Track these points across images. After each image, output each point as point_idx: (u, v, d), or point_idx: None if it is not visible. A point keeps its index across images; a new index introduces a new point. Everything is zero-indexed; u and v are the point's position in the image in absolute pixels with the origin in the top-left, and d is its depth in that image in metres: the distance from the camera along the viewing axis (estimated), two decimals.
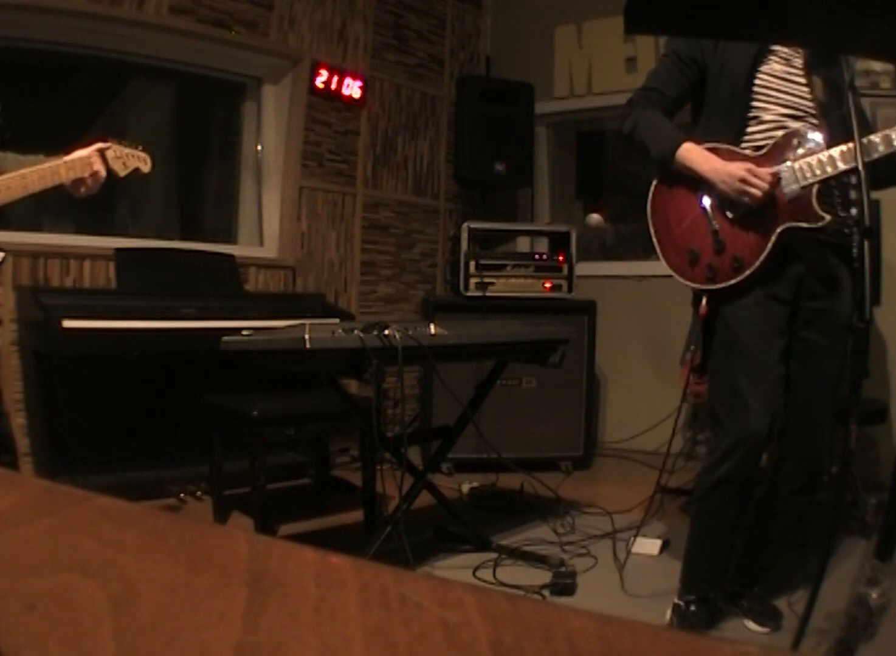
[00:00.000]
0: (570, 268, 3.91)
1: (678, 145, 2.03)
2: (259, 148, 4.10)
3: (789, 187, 1.94)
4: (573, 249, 3.91)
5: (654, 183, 2.16)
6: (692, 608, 2.04)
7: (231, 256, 3.51)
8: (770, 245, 1.93)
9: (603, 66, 4.42)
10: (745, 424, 1.96)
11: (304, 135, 4.00)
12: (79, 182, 1.99)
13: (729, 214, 2.00)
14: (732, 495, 1.99)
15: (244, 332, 2.12)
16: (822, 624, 1.81)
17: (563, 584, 2.34)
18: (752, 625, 2.09)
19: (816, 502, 2.17)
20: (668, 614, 2.10)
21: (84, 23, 3.25)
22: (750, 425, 1.95)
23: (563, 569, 2.40)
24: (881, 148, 1.82)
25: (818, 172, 1.90)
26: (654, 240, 2.12)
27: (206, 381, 2.99)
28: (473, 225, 3.93)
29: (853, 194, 1.98)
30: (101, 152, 2.04)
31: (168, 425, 3.12)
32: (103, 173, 2.04)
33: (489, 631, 0.30)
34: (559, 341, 2.69)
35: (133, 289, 3.05)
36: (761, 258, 1.94)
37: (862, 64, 3.23)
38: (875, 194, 1.91)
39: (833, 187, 1.98)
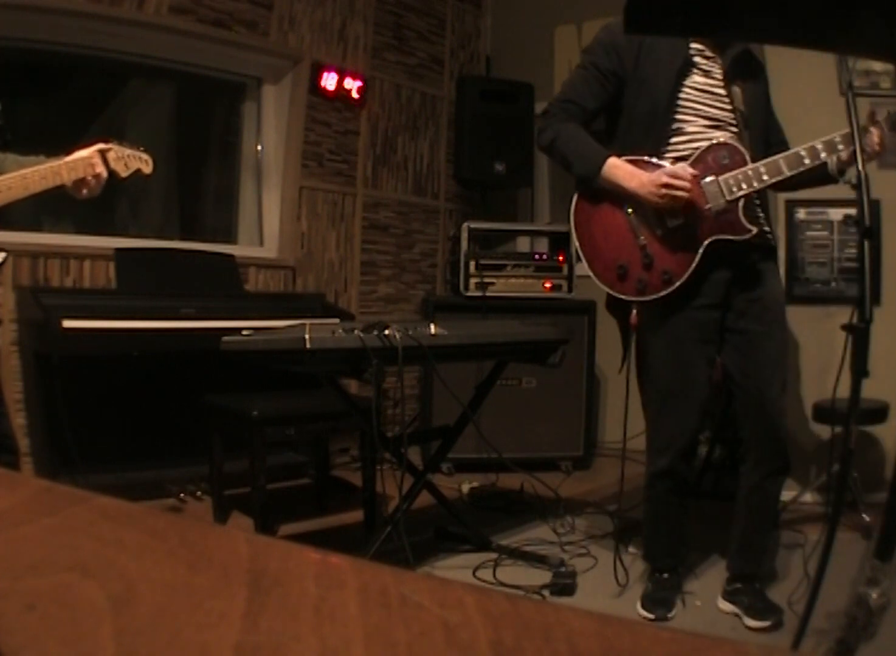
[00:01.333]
0: (570, 268, 3.90)
1: (603, 162, 2.05)
2: (259, 148, 4.10)
3: (716, 201, 1.98)
4: (573, 249, 3.91)
5: (575, 198, 2.16)
6: (665, 576, 2.27)
7: (231, 256, 3.51)
8: (698, 258, 2.00)
9: None
10: (673, 429, 2.14)
11: (304, 135, 4.00)
12: (80, 183, 1.98)
13: (656, 230, 2.04)
14: (671, 485, 2.18)
15: (244, 332, 2.12)
16: (822, 624, 1.81)
17: (563, 584, 2.34)
18: (752, 622, 2.09)
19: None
20: (646, 582, 2.31)
21: (84, 23, 3.24)
22: (677, 429, 2.13)
23: (563, 569, 2.40)
24: (807, 161, 1.90)
25: (744, 186, 1.95)
26: (581, 254, 2.15)
27: (206, 381, 2.99)
28: (473, 225, 3.92)
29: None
30: (103, 153, 2.04)
31: (168, 425, 3.11)
32: (105, 174, 2.03)
33: (489, 631, 0.30)
34: (559, 341, 2.69)
35: (133, 289, 3.05)
36: (689, 270, 2.01)
37: (862, 64, 3.23)
38: (875, 194, 1.92)
39: (753, 196, 2.04)
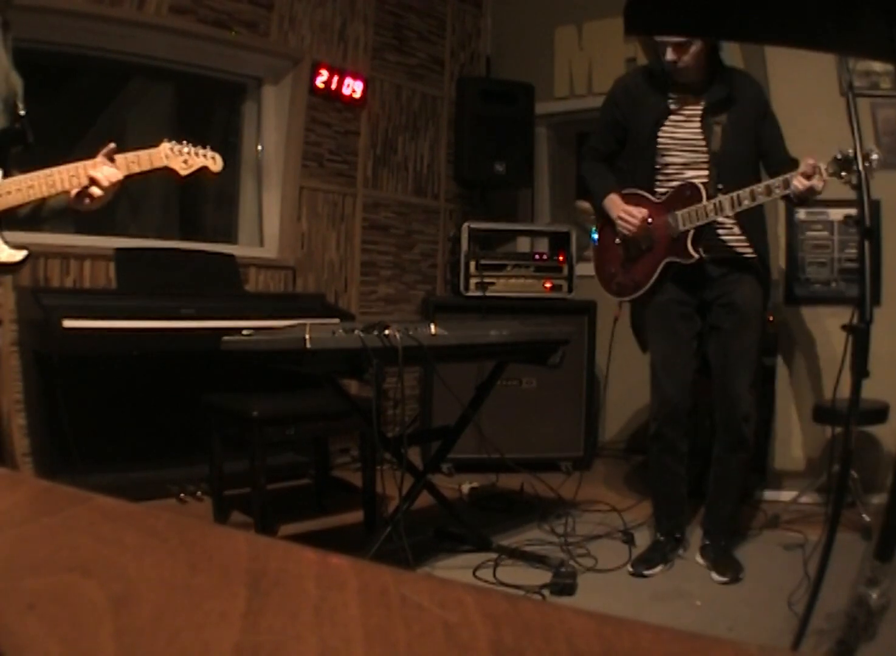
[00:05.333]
0: (570, 269, 3.90)
1: (605, 196, 2.67)
2: (259, 148, 4.10)
3: (674, 231, 2.49)
4: (573, 249, 3.91)
5: (601, 222, 2.81)
6: (661, 538, 2.65)
7: (231, 256, 3.51)
8: (657, 273, 2.56)
9: (603, 66, 4.42)
10: (660, 399, 2.62)
11: (305, 135, 3.99)
12: (83, 193, 1.90)
13: (635, 249, 2.61)
14: (663, 447, 2.62)
15: (244, 332, 2.12)
16: (822, 624, 1.81)
17: (563, 584, 2.34)
18: (715, 576, 2.47)
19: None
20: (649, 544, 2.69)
21: (84, 23, 3.24)
22: (663, 400, 2.60)
23: (563, 569, 2.40)
24: (746, 202, 2.31)
25: (694, 220, 2.44)
26: (593, 258, 2.80)
27: (206, 381, 2.99)
28: (473, 225, 3.92)
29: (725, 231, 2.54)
30: (111, 156, 1.98)
31: (168, 425, 3.11)
32: (113, 179, 1.94)
33: (489, 631, 0.30)
34: (559, 341, 2.69)
35: (133, 289, 3.05)
36: (651, 282, 2.58)
37: (862, 64, 3.23)
38: (875, 194, 1.92)
39: (715, 227, 2.49)
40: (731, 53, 3.90)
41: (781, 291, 3.42)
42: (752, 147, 2.50)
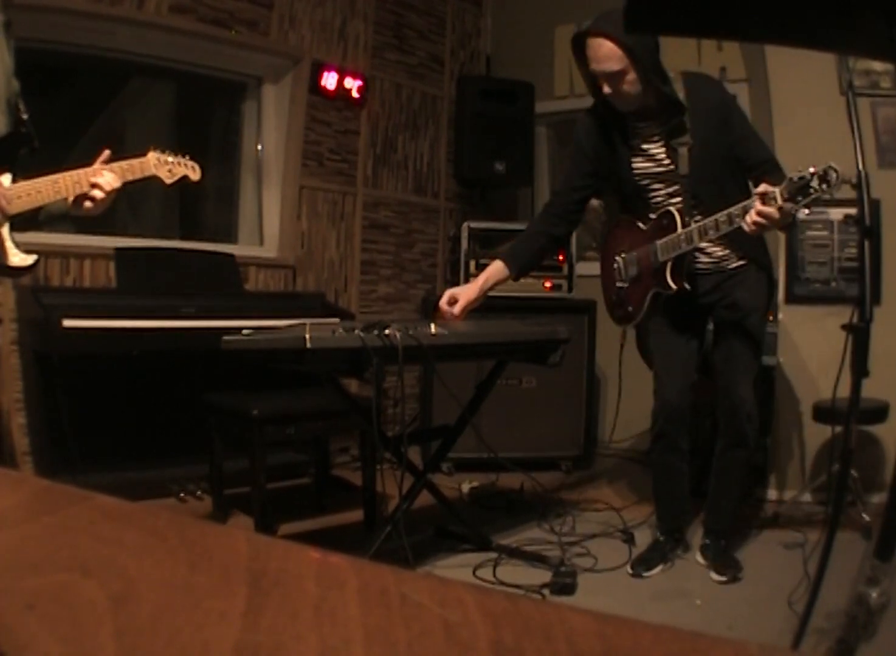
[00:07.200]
0: (570, 268, 3.90)
1: (495, 259, 2.73)
2: (259, 147, 4.10)
3: (655, 261, 2.48)
4: (573, 249, 3.91)
5: (602, 246, 2.85)
6: (661, 538, 2.68)
7: (231, 256, 3.51)
8: (647, 303, 2.57)
9: None
10: (660, 402, 2.65)
11: (305, 134, 3.99)
12: (83, 197, 1.94)
13: (627, 278, 2.63)
14: (665, 446, 2.64)
15: (244, 332, 2.12)
16: (822, 624, 1.81)
17: (563, 584, 2.34)
18: (714, 576, 2.49)
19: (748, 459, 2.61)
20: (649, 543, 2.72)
21: (84, 23, 3.24)
22: (663, 401, 2.63)
23: (563, 569, 2.40)
24: (711, 233, 2.29)
25: (670, 252, 2.42)
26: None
27: (207, 381, 2.99)
28: (473, 224, 3.92)
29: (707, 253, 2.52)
30: (107, 163, 2.00)
31: (168, 424, 3.11)
32: (114, 184, 1.97)
33: (489, 630, 0.30)
34: (559, 341, 2.69)
35: (133, 288, 3.05)
36: (643, 311, 2.59)
37: (862, 64, 3.23)
38: (875, 194, 1.92)
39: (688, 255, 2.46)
40: (732, 53, 3.91)
41: (781, 291, 3.42)
42: (725, 156, 2.39)
